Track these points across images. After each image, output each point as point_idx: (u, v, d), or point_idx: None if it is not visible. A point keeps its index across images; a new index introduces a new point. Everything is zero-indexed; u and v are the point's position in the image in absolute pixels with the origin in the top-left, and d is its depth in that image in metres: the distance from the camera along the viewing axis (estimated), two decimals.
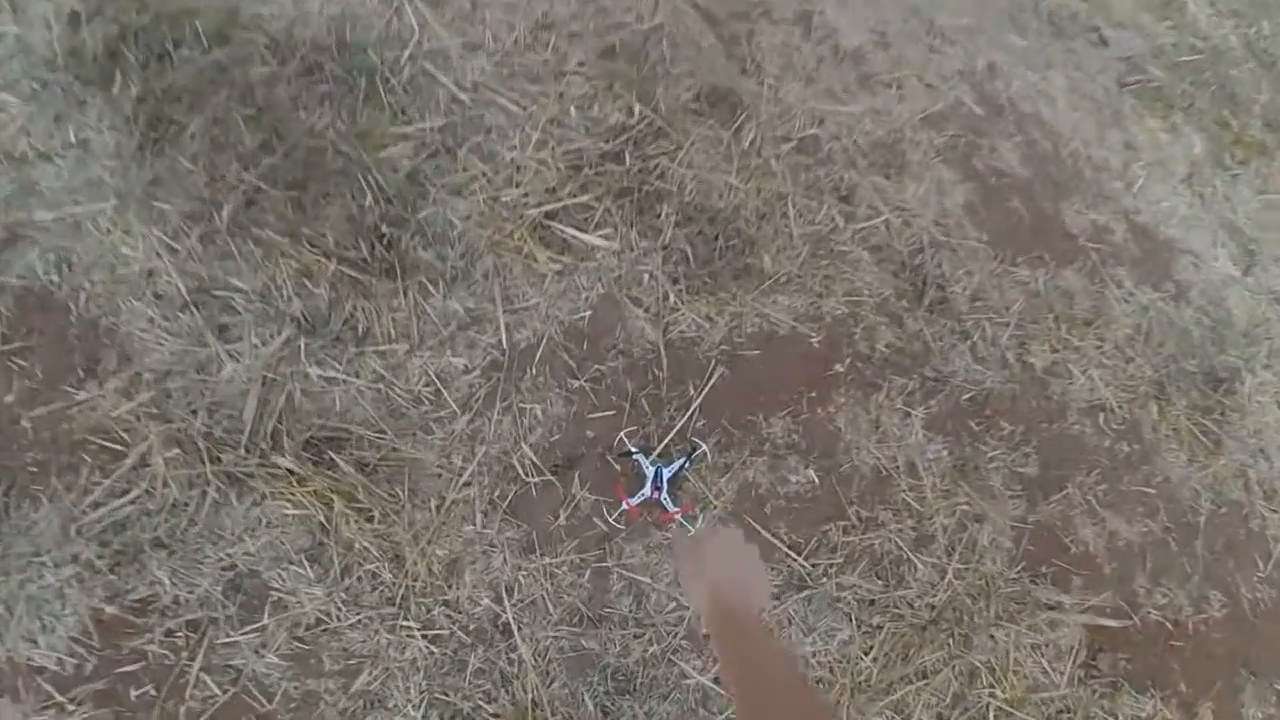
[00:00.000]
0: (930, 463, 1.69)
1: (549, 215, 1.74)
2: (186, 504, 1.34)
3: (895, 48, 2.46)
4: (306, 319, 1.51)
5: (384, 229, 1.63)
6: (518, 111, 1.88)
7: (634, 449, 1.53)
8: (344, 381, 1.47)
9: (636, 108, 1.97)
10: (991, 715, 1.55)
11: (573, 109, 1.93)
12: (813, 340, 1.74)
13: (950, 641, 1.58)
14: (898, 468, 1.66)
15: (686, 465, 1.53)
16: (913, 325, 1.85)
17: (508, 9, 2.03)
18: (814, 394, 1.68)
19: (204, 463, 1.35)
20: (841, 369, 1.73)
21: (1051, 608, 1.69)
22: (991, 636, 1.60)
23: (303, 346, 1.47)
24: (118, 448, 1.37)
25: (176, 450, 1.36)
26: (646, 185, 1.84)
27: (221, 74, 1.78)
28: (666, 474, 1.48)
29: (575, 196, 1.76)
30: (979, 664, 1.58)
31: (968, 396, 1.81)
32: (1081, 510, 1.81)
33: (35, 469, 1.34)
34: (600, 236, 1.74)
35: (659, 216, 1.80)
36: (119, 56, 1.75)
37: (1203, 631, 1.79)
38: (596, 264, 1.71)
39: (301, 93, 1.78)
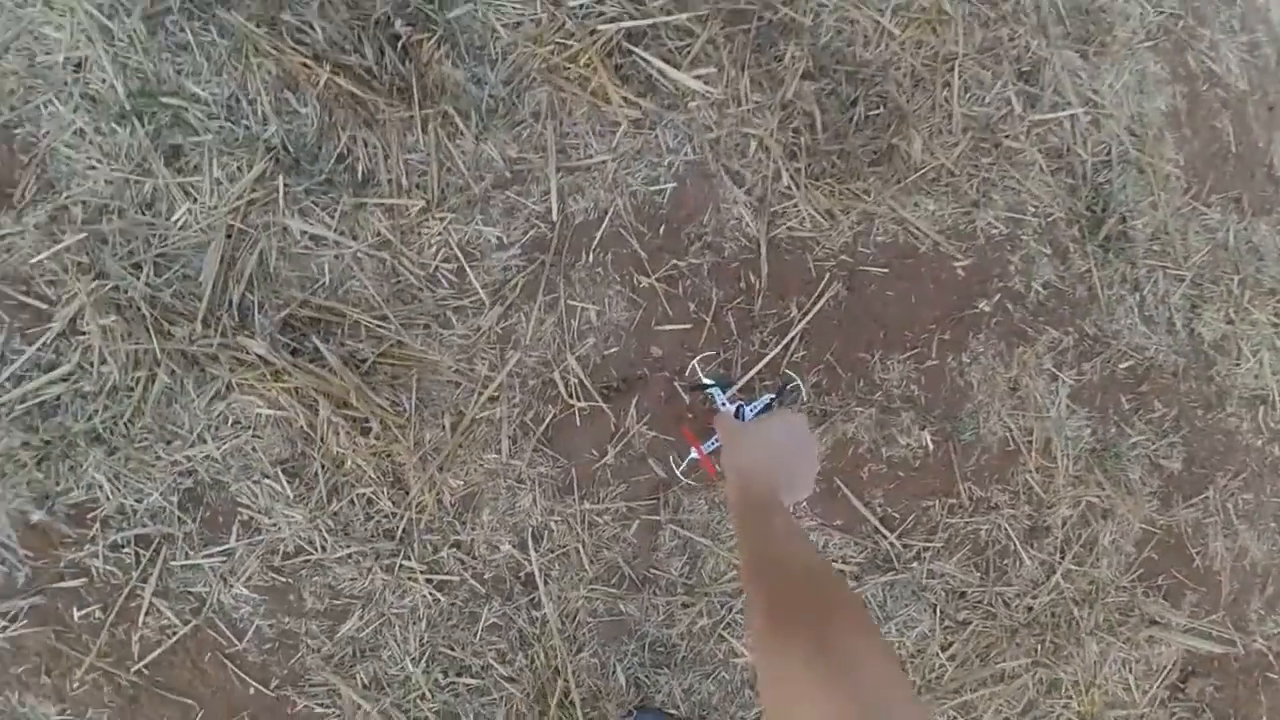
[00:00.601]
0: (1068, 441, 1.41)
1: (631, 36, 1.29)
2: (130, 388, 1.07)
3: None
4: (287, 149, 1.14)
5: (399, 28, 1.20)
6: None
7: (709, 381, 1.23)
8: (335, 243, 1.14)
9: None
10: None
11: None
12: (958, 265, 1.38)
13: (1039, 648, 1.40)
14: (1029, 443, 1.38)
15: (774, 405, 1.23)
16: (1080, 264, 1.47)
17: None
18: (947, 335, 1.35)
19: (150, 335, 1.06)
20: (987, 307, 1.38)
21: (1157, 623, 1.50)
22: (1082, 645, 1.43)
23: (281, 187, 1.12)
24: (41, 305, 1.08)
25: (115, 317, 1.06)
26: (771, 12, 1.37)
27: None
28: (749, 414, 1.19)
29: (671, 13, 1.30)
30: (1063, 675, 1.42)
31: (1126, 365, 1.48)
32: (1217, 519, 1.56)
33: None
34: (698, 77, 1.31)
35: (781, 60, 1.35)
36: None
37: None
38: (689, 116, 1.29)
39: None
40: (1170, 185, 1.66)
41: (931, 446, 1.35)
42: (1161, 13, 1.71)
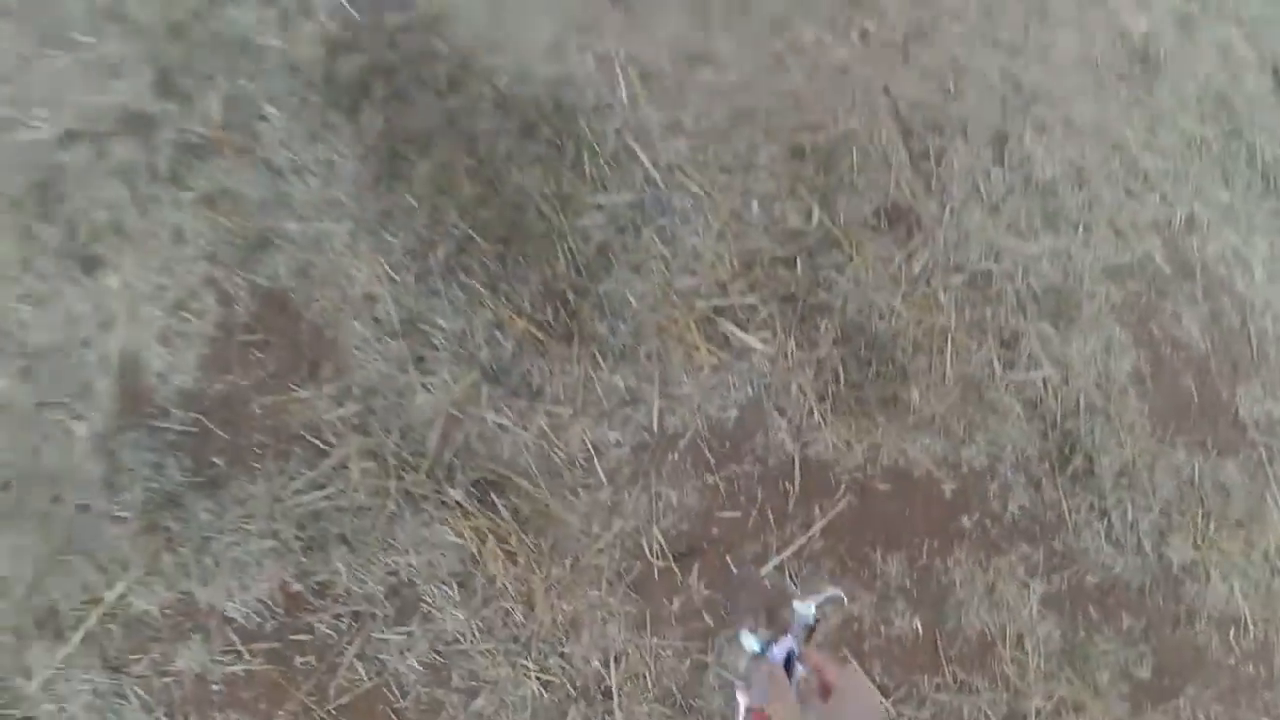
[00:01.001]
0: (1039, 640, 1.84)
1: (716, 309, 2.01)
2: (370, 509, 1.69)
3: (1091, 187, 2.57)
4: (492, 368, 1.84)
5: (570, 295, 1.95)
6: (704, 198, 2.17)
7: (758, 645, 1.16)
8: (515, 431, 1.79)
9: (816, 214, 2.21)
10: None
11: (755, 204, 2.19)
12: (945, 487, 1.93)
13: None
14: (1004, 637, 1.82)
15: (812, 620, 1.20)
16: (1051, 493, 2.00)
17: (711, 94, 2.32)
18: (935, 543, 1.86)
19: (390, 478, 1.70)
20: (969, 524, 1.90)
21: None
22: None
23: (485, 392, 1.81)
24: (324, 446, 1.75)
25: (371, 462, 1.71)
26: (812, 296, 2.08)
27: (451, 122, 2.16)
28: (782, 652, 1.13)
29: (743, 295, 2.02)
30: None
31: (1094, 580, 1.94)
32: None
33: (257, 449, 1.73)
34: (759, 339, 1.99)
35: (818, 329, 2.03)
36: (368, 89, 2.16)
37: None
38: (750, 366, 1.96)
39: (517, 150, 2.13)
40: (1136, 430, 2.17)
41: (921, 631, 1.80)
42: (1125, 290, 2.34)
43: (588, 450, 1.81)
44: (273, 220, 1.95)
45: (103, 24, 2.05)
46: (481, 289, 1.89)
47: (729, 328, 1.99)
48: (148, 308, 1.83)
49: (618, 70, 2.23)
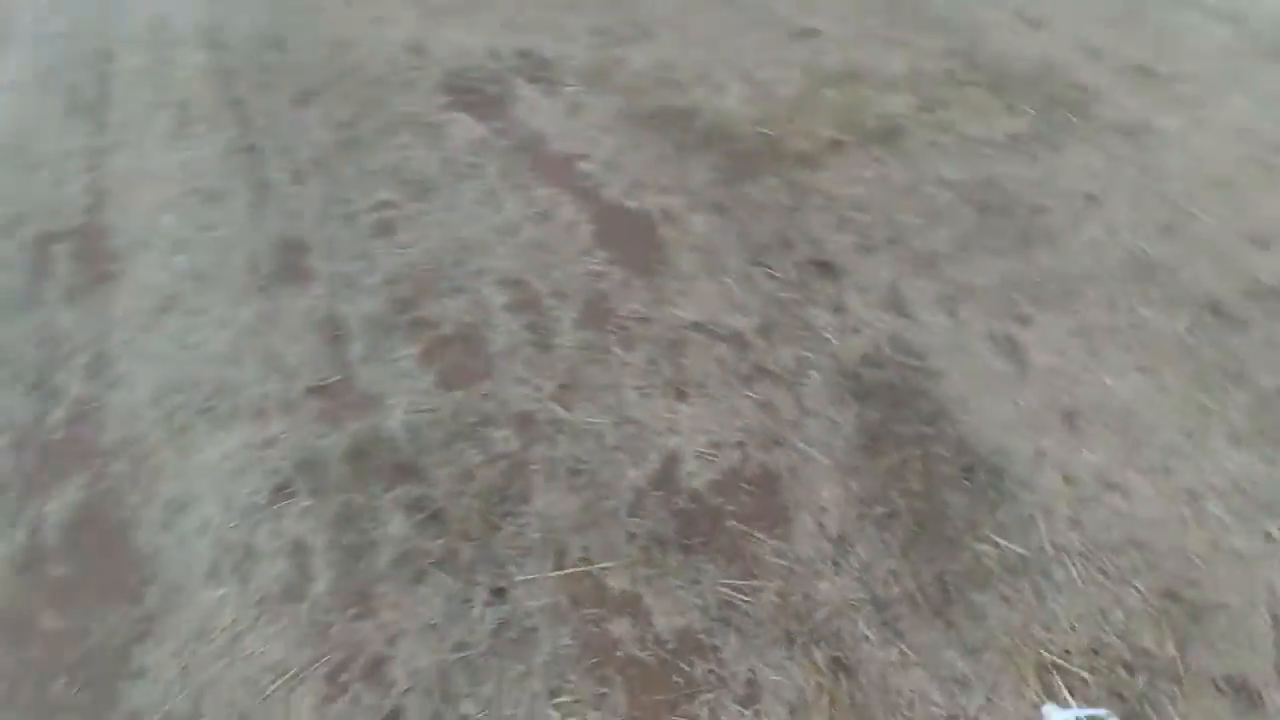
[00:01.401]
0: None
1: (1057, 666, 2.60)
2: None
3: None
4: (877, 596, 2.68)
5: (950, 588, 2.73)
6: (1078, 589, 2.82)
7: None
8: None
9: (1169, 649, 2.70)
10: None
11: (1121, 613, 2.77)
12: None
13: None
14: None
15: None
16: None
17: (1112, 514, 3.03)
18: None
19: None
20: None
21: None
22: None
23: (868, 613, 2.64)
24: None
25: None
26: (1137, 704, 2.55)
27: (919, 441, 3.20)
28: None
29: (1081, 670, 2.59)
30: None
31: None
32: None
33: None
34: (1082, 703, 2.52)
35: None
36: (880, 440, 3.33)
37: None
38: None
39: (954, 475, 3.07)
40: None
41: None
42: None
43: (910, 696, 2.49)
44: None
45: None
46: (891, 555, 2.79)
47: (1060, 686, 2.55)
48: None
49: (1050, 468, 3.10)
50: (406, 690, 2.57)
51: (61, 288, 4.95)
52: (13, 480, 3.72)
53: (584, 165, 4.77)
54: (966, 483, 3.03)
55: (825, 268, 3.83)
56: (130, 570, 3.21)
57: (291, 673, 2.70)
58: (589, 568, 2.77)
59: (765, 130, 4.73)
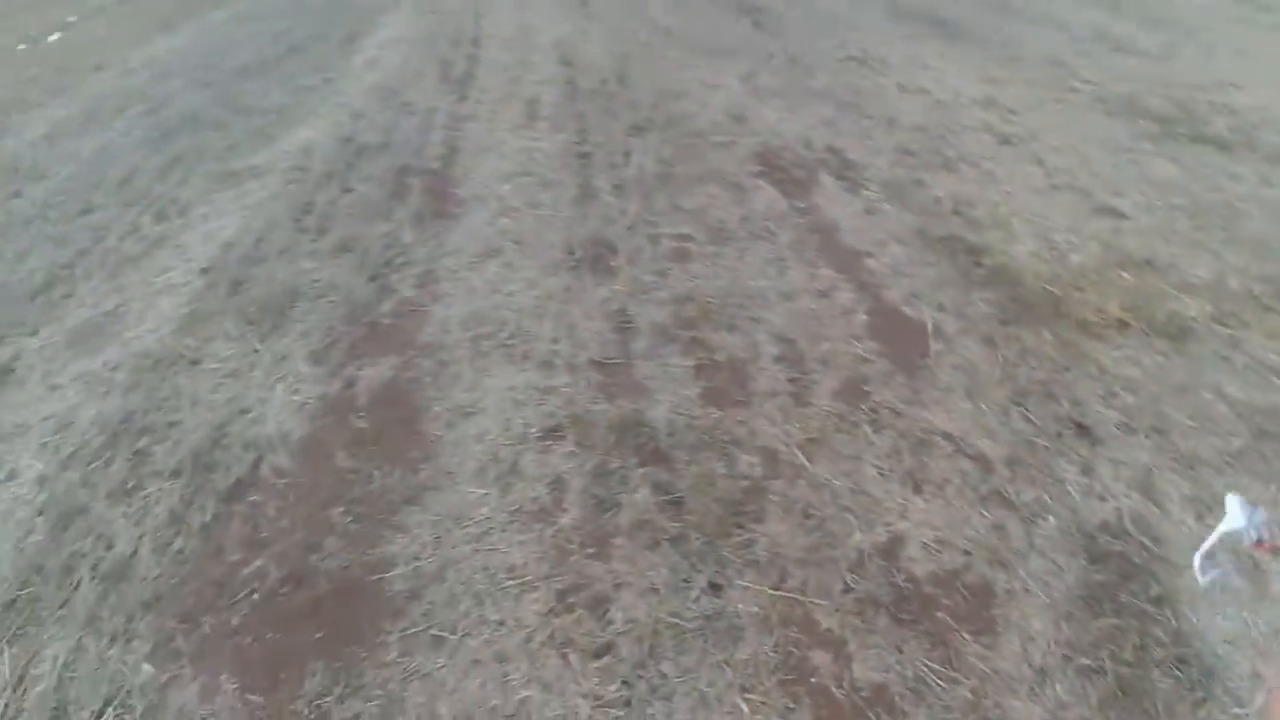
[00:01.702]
0: None
1: None
2: None
3: None
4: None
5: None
6: None
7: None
8: None
9: None
10: None
11: None
12: None
13: None
14: None
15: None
16: None
17: None
18: None
19: None
20: None
21: None
22: None
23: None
24: None
25: None
26: None
27: (1124, 611, 3.26)
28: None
29: None
30: None
31: None
32: None
33: None
34: None
35: None
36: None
37: None
38: None
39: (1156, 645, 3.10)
40: None
41: None
42: None
43: None
44: None
45: None
46: (1088, 706, 2.89)
47: None
48: None
49: (1262, 695, 3.04)
50: (622, 632, 3.03)
51: (411, 212, 6.13)
52: (342, 342, 4.69)
53: (870, 262, 5.25)
54: (1178, 672, 3.05)
55: (1084, 431, 3.98)
56: (414, 445, 3.97)
57: (528, 578, 3.26)
58: (804, 598, 3.11)
59: (1051, 289, 4.98)
